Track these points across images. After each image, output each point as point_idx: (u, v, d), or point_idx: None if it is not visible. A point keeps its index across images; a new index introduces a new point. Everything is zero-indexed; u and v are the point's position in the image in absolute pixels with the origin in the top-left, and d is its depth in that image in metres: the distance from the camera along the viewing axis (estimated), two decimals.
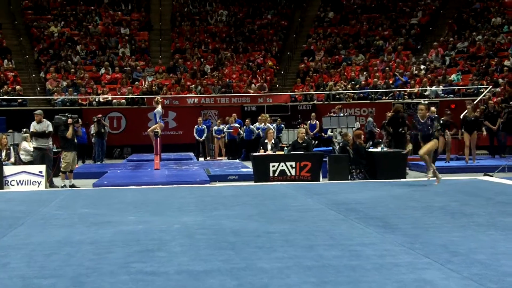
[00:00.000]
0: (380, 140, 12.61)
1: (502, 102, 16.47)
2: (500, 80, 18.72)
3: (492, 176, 9.82)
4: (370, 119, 17.04)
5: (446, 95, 18.99)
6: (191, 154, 16.91)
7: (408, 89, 19.23)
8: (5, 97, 18.62)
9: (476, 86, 18.80)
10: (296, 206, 6.55)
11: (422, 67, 20.66)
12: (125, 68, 20.90)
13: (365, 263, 3.88)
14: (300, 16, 24.69)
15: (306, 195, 7.50)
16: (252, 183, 9.88)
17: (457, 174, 10.93)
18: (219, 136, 16.76)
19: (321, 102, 19.28)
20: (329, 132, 15.30)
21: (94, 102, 18.88)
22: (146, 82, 20.18)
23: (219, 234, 4.95)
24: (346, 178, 10.01)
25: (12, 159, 10.92)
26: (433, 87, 19.17)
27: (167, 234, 4.98)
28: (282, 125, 17.04)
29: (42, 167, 9.95)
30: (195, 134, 17.08)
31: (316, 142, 15.46)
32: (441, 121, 11.60)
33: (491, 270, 3.65)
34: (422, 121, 8.33)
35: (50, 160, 10.38)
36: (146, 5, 24.72)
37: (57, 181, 10.56)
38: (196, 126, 17.09)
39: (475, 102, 15.56)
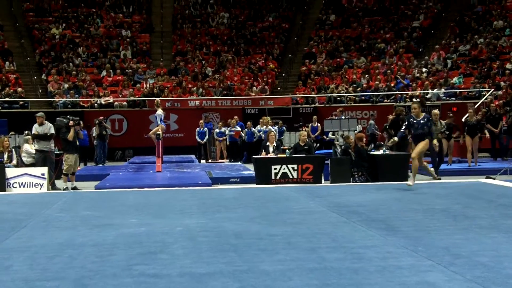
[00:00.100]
0: (382, 143, 12.58)
1: (504, 105, 16.45)
2: (502, 83, 18.71)
3: (494, 178, 9.80)
4: (371, 121, 17.03)
5: (448, 98, 18.99)
6: (193, 156, 16.92)
7: (410, 92, 19.22)
8: (7, 99, 18.65)
9: (478, 89, 18.79)
10: (298, 209, 6.55)
11: (424, 70, 20.66)
12: (127, 71, 20.93)
13: (368, 265, 3.88)
14: (302, 19, 24.72)
15: (308, 197, 7.50)
16: (254, 185, 9.88)
17: (459, 177, 10.92)
18: (221, 139, 16.77)
19: (323, 105, 19.28)
20: (330, 135, 15.31)
21: (95, 104, 18.91)
22: (148, 85, 20.20)
23: (221, 237, 4.95)
24: (348, 180, 10.00)
25: (14, 161, 10.93)
26: (435, 90, 19.16)
27: (170, 237, 4.98)
28: (284, 127, 17.04)
29: (44, 170, 9.95)
30: (196, 137, 17.08)
31: (318, 144, 15.44)
32: (444, 124, 11.61)
33: (494, 272, 3.65)
34: (418, 120, 8.22)
35: (52, 162, 10.38)
36: (147, 8, 24.76)
37: (59, 183, 10.57)
38: (197, 129, 17.09)
39: (475, 106, 15.54)
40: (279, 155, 10.51)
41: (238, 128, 16.83)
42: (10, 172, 10.00)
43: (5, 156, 10.77)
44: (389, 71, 20.52)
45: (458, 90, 19.28)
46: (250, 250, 4.39)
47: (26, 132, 12.04)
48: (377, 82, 19.66)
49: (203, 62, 21.92)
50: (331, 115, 16.77)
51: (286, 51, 23.37)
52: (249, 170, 12.02)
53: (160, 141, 12.68)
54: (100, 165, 15.78)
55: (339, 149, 11.37)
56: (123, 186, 9.66)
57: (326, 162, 10.37)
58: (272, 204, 6.98)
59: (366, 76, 20.52)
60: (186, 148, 17.88)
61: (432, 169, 8.50)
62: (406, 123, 8.57)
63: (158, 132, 12.61)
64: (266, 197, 7.62)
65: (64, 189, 10.08)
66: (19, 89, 19.12)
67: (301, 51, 23.08)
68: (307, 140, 11.21)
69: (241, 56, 22.56)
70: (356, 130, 14.30)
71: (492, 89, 18.37)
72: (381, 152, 10.81)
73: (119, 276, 3.73)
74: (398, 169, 10.01)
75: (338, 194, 7.88)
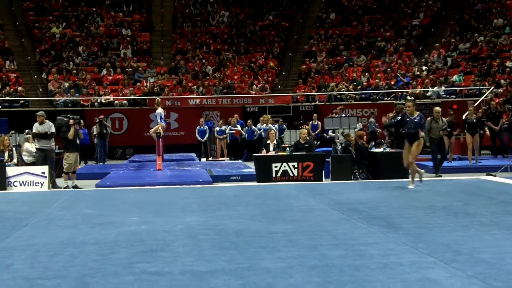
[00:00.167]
0: (382, 141, 12.59)
1: (504, 103, 16.45)
2: (502, 81, 18.70)
3: (494, 176, 9.81)
4: (372, 119, 17.03)
5: (448, 96, 18.97)
6: (193, 154, 16.92)
7: (410, 90, 19.21)
8: (7, 98, 18.65)
9: (478, 87, 18.78)
10: (299, 206, 6.55)
11: (424, 68, 20.64)
12: (127, 69, 20.92)
13: (369, 262, 3.88)
14: (302, 17, 24.69)
15: (309, 195, 7.50)
16: (255, 183, 9.88)
17: (459, 174, 10.92)
18: (221, 137, 16.77)
19: (323, 103, 19.28)
20: (330, 133, 15.29)
21: (96, 103, 18.91)
22: (148, 83, 20.20)
23: (222, 235, 4.95)
24: (349, 178, 10.01)
25: (15, 160, 10.93)
26: (435, 88, 19.14)
27: (171, 235, 4.98)
28: (284, 125, 17.04)
29: (45, 168, 9.96)
30: (197, 135, 17.09)
31: (318, 142, 15.44)
32: (446, 121, 11.58)
33: (496, 269, 3.65)
34: (412, 118, 8.08)
35: (53, 161, 10.39)
36: (147, 6, 24.74)
37: (60, 182, 10.57)
38: (198, 127, 17.09)
39: (476, 104, 15.52)
40: (279, 153, 10.51)
41: (239, 127, 16.83)
42: (10, 170, 10.01)
43: (6, 154, 10.77)
44: (389, 69, 20.50)
45: (458, 88, 19.27)
46: (251, 248, 4.39)
47: (26, 131, 12.04)
48: (377, 80, 19.65)
49: (203, 60, 21.91)
50: (331, 113, 16.76)
51: (286, 50, 23.35)
52: (250, 168, 12.03)
53: (160, 139, 12.69)
54: (101, 163, 15.78)
55: (340, 147, 11.37)
56: (124, 185, 9.67)
57: (326, 159, 10.37)
58: (272, 201, 6.98)
59: (366, 74, 20.51)
60: (187, 147, 17.88)
61: (422, 170, 8.38)
62: (399, 117, 8.45)
63: (158, 131, 12.62)
64: (266, 195, 7.62)
65: (64, 188, 10.08)
66: (20, 88, 19.12)
67: (301, 50, 23.06)
68: (308, 138, 11.21)
69: (241, 55, 22.54)
70: (357, 128, 14.29)
71: (492, 87, 18.36)
72: (381, 149, 10.82)
73: (121, 274, 3.73)
74: (399, 166, 9.98)
75: (338, 191, 7.88)
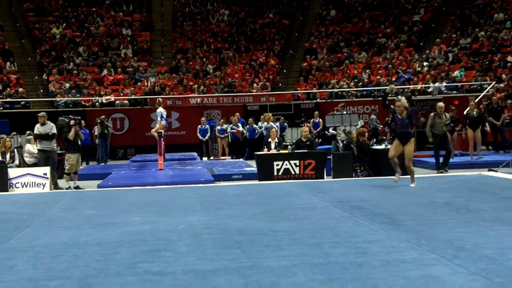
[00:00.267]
0: (384, 137, 12.58)
1: (506, 98, 16.41)
2: (503, 76, 18.66)
3: (496, 171, 9.79)
4: (373, 116, 17.01)
5: (449, 92, 18.94)
6: (195, 154, 16.92)
7: (411, 86, 19.19)
8: (8, 99, 18.68)
9: (479, 82, 18.74)
10: (301, 204, 6.55)
11: (425, 64, 20.61)
12: (128, 69, 20.93)
13: (372, 260, 3.88)
14: (302, 15, 24.66)
15: (311, 193, 7.50)
16: (256, 182, 9.88)
17: (461, 170, 10.90)
18: (222, 136, 16.77)
19: (324, 100, 19.26)
20: (331, 130, 15.26)
21: (97, 103, 18.92)
22: (149, 83, 20.20)
23: (224, 234, 4.95)
24: (350, 175, 10.01)
25: (17, 162, 10.94)
26: (436, 84, 19.11)
27: (173, 234, 4.99)
28: (285, 123, 17.03)
29: (47, 169, 9.97)
30: (198, 134, 17.09)
31: (320, 140, 15.44)
32: (449, 117, 11.54)
33: (498, 264, 3.65)
34: (400, 117, 7.91)
35: (54, 162, 10.40)
36: (147, 6, 24.73)
37: (61, 182, 10.59)
38: (199, 126, 17.09)
39: (476, 100, 15.49)
40: (281, 151, 10.51)
41: (240, 128, 16.81)
42: (12, 172, 10.02)
43: (7, 156, 10.79)
44: (390, 65, 20.48)
45: (459, 84, 19.24)
46: (254, 247, 4.39)
47: (28, 132, 12.06)
48: (378, 77, 19.62)
49: (204, 59, 21.90)
50: (332, 111, 16.75)
51: (287, 47, 23.33)
52: (251, 166, 12.03)
53: (162, 139, 12.70)
54: (102, 164, 15.80)
55: (341, 144, 11.37)
56: (126, 185, 9.68)
57: (328, 157, 10.36)
58: (275, 200, 6.98)
59: (367, 71, 20.48)
60: (188, 146, 17.89)
61: (399, 173, 8.17)
62: (393, 112, 8.23)
63: (159, 131, 12.64)
64: (268, 193, 7.62)
65: (66, 189, 10.10)
66: (21, 89, 19.14)
67: (302, 47, 23.04)
68: (309, 136, 11.20)
69: (242, 53, 22.53)
70: (358, 125, 14.29)
71: (494, 82, 18.33)
72: (383, 146, 10.81)
73: (124, 274, 3.74)
74: (400, 163, 9.98)
75: (340, 189, 7.88)
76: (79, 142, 10.68)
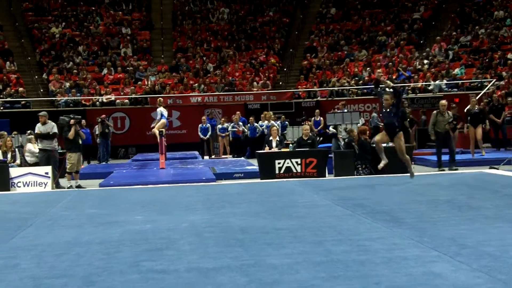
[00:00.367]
0: None
1: (506, 95, 16.41)
2: (504, 73, 18.66)
3: (497, 169, 9.79)
4: (374, 114, 17.01)
5: (450, 90, 18.94)
6: (196, 152, 16.93)
7: (412, 84, 19.18)
8: (9, 99, 18.68)
9: (479, 80, 18.74)
10: (303, 203, 6.56)
11: (426, 61, 20.60)
12: (128, 68, 20.93)
13: (374, 257, 3.89)
14: (302, 13, 24.64)
15: (313, 191, 7.50)
16: (258, 180, 9.89)
17: (462, 168, 10.89)
18: (223, 135, 16.77)
19: (325, 99, 19.26)
20: (331, 128, 15.25)
21: (97, 102, 18.92)
22: (149, 82, 20.20)
23: (227, 232, 4.95)
24: (352, 173, 10.01)
25: (18, 161, 10.95)
26: (437, 82, 19.11)
27: (175, 233, 4.99)
28: (286, 122, 17.04)
29: (48, 169, 9.98)
30: (199, 133, 17.10)
31: (321, 138, 15.44)
32: (452, 115, 11.50)
33: (501, 262, 3.65)
34: (388, 110, 7.86)
35: (56, 161, 10.41)
36: (147, 5, 24.72)
37: (63, 182, 10.60)
38: (200, 125, 17.10)
39: (477, 97, 15.48)
40: (282, 150, 10.51)
41: (241, 127, 16.81)
42: (14, 171, 10.03)
43: (9, 155, 10.79)
44: (390, 63, 20.47)
45: (460, 81, 19.23)
46: (256, 245, 4.39)
47: (29, 131, 12.06)
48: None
49: (204, 58, 21.90)
50: (333, 109, 16.75)
51: (287, 46, 23.32)
52: (253, 165, 12.03)
53: (163, 138, 12.71)
54: (104, 163, 15.82)
55: (343, 143, 11.37)
56: (127, 184, 9.69)
57: (329, 155, 10.37)
58: (276, 198, 6.99)
59: (368, 69, 20.47)
60: (189, 145, 17.89)
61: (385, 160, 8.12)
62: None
63: (161, 129, 12.65)
64: (270, 192, 7.63)
65: (68, 188, 10.11)
66: (21, 89, 19.15)
67: (302, 45, 23.03)
68: (310, 134, 11.20)
69: (242, 52, 22.52)
70: (359, 123, 14.28)
71: (494, 80, 18.32)
72: (384, 144, 10.79)
73: (127, 273, 3.74)
74: (402, 161, 9.98)
75: (342, 187, 7.88)
76: (80, 142, 10.68)
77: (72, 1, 24.03)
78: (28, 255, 4.34)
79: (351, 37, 22.79)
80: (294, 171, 9.88)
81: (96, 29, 22.83)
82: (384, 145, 10.72)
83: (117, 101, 19.00)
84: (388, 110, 7.88)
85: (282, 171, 9.88)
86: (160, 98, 13.72)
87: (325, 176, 9.96)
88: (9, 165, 10.30)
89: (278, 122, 16.26)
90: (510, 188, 7.25)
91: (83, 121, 14.70)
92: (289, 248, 4.23)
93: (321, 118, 16.70)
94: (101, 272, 3.77)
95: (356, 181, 8.77)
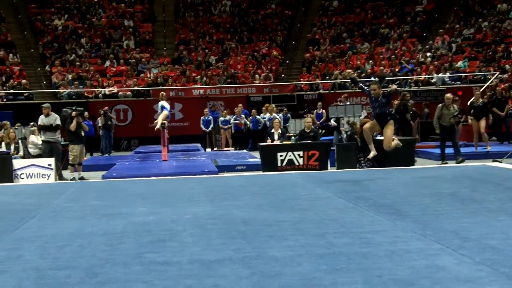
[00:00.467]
0: None
1: (510, 89, 16.33)
2: (507, 66, 18.57)
3: (501, 162, 9.77)
4: None
5: (453, 82, 18.87)
6: (198, 145, 16.94)
7: (415, 77, 19.11)
8: (12, 91, 18.69)
9: (483, 73, 18.65)
10: (305, 195, 6.56)
11: (428, 54, 20.51)
12: (130, 61, 20.90)
13: (377, 250, 3.89)
14: (304, 5, 24.53)
15: (315, 184, 7.50)
16: (260, 173, 9.89)
17: (466, 161, 10.86)
18: (226, 127, 16.77)
19: (327, 91, 19.20)
20: (332, 121, 15.20)
21: (100, 95, 18.92)
22: (151, 74, 20.18)
23: (229, 224, 4.96)
24: (354, 166, 10.00)
25: (21, 153, 10.98)
26: (440, 74, 19.04)
27: (178, 225, 5.00)
28: (289, 114, 17.01)
29: (51, 160, 10.01)
30: (201, 125, 17.09)
31: (323, 131, 15.42)
32: (457, 108, 11.41)
33: (504, 255, 3.65)
34: (378, 99, 7.62)
35: (59, 153, 10.43)
36: None
37: (66, 173, 10.62)
38: (202, 117, 17.09)
39: (481, 90, 15.39)
40: (284, 142, 10.51)
41: (243, 119, 16.79)
42: (17, 163, 10.06)
43: (12, 147, 10.82)
44: (393, 56, 20.40)
45: (463, 74, 19.15)
46: (258, 237, 4.40)
47: (32, 123, 12.08)
48: (381, 68, 19.54)
49: (206, 50, 21.84)
50: (336, 101, 16.71)
51: (290, 38, 23.24)
52: (255, 157, 12.03)
53: (165, 130, 12.72)
54: (106, 155, 15.85)
55: (345, 135, 11.35)
56: (130, 176, 9.70)
57: (332, 148, 10.36)
58: (279, 191, 6.99)
59: (371, 61, 20.40)
60: (191, 137, 17.90)
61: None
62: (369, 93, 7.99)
63: (163, 122, 12.65)
64: (272, 184, 7.62)
65: (71, 180, 10.14)
66: (24, 81, 19.16)
67: (304, 38, 22.94)
68: (312, 126, 11.19)
69: (244, 44, 22.45)
70: (362, 115, 14.25)
71: (498, 73, 18.23)
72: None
73: (130, 264, 3.75)
74: (404, 154, 9.97)
75: (344, 180, 7.87)
76: (83, 134, 10.70)
77: None
78: (32, 247, 4.36)
79: (353, 30, 22.69)
80: (296, 163, 9.88)
81: (98, 21, 22.78)
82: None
83: (120, 93, 18.99)
84: (378, 99, 7.67)
85: (284, 164, 9.88)
86: (162, 92, 13.72)
87: (327, 169, 9.96)
88: (12, 156, 10.32)
89: (280, 115, 16.23)
90: None
91: (86, 113, 14.71)
92: (291, 241, 4.23)
93: (323, 110, 16.66)
94: (104, 264, 3.78)
95: (358, 174, 8.76)
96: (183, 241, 4.38)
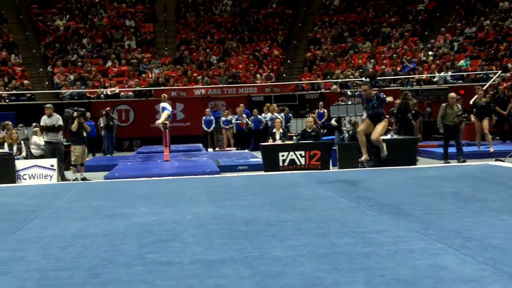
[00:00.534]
0: (390, 128, 12.52)
1: None
2: (510, 65, 18.52)
3: (503, 161, 9.74)
4: None
5: (455, 81, 18.83)
6: (200, 145, 16.95)
7: (417, 76, 19.09)
8: (14, 92, 18.73)
9: (485, 72, 18.61)
10: (307, 195, 6.55)
11: (430, 53, 20.47)
12: (132, 61, 20.92)
13: (379, 250, 3.88)
14: (305, 4, 24.51)
15: (317, 183, 7.50)
16: (262, 172, 9.89)
17: (468, 160, 10.85)
18: (227, 127, 16.77)
19: (329, 91, 19.18)
20: (333, 121, 15.17)
21: (102, 95, 18.94)
22: (153, 74, 20.19)
23: (231, 224, 4.96)
24: (356, 166, 9.99)
25: (24, 153, 11.00)
26: (442, 73, 19.00)
27: (180, 225, 5.00)
28: (290, 114, 17.01)
29: (54, 161, 10.03)
30: (203, 125, 17.10)
31: (325, 131, 15.40)
32: (461, 108, 11.33)
33: (506, 254, 3.64)
34: (370, 100, 7.57)
35: (61, 154, 10.45)
36: None
37: (68, 174, 10.64)
38: (204, 117, 17.10)
39: (483, 88, 15.33)
40: (286, 142, 10.50)
41: (245, 119, 16.78)
42: (19, 164, 10.08)
43: (14, 148, 10.84)
44: (395, 55, 20.36)
45: (465, 73, 19.11)
46: (260, 237, 4.40)
47: (34, 124, 12.10)
48: (383, 67, 19.53)
49: (208, 50, 21.85)
50: (337, 101, 16.68)
51: (291, 38, 23.22)
52: (257, 157, 12.03)
53: (167, 130, 12.73)
54: (108, 155, 15.86)
55: (347, 135, 11.34)
56: (132, 176, 9.71)
57: (333, 148, 10.35)
58: (280, 191, 6.99)
59: (372, 60, 20.37)
60: (193, 137, 17.91)
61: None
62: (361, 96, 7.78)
63: (165, 122, 12.67)
64: (274, 184, 7.62)
65: (73, 180, 10.15)
66: (26, 82, 19.19)
67: (305, 37, 22.92)
68: (314, 126, 11.18)
69: (246, 44, 22.44)
70: (363, 115, 14.21)
71: (500, 71, 18.19)
72: (388, 136, 10.77)
73: (132, 265, 3.76)
74: (407, 153, 9.97)
75: (346, 179, 7.87)
76: (84, 134, 10.71)
77: None
78: (34, 247, 4.36)
79: (355, 29, 22.66)
80: (298, 163, 9.87)
81: (100, 21, 22.81)
82: (388, 137, 10.70)
83: (122, 93, 19.01)
84: (371, 100, 7.57)
85: (286, 164, 9.88)
86: (164, 94, 13.75)
87: (329, 169, 9.96)
88: (15, 157, 10.34)
89: (282, 115, 16.23)
90: None
91: (88, 114, 14.73)
92: (293, 241, 4.23)
93: (325, 110, 16.65)
94: (106, 264, 3.79)
95: (360, 174, 8.75)
96: (185, 241, 4.38)
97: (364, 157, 7.73)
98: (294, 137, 11.13)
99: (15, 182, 9.72)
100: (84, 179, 10.26)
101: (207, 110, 17.30)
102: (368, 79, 7.82)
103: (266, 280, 3.31)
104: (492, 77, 18.00)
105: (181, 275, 3.49)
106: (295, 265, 3.58)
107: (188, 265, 3.69)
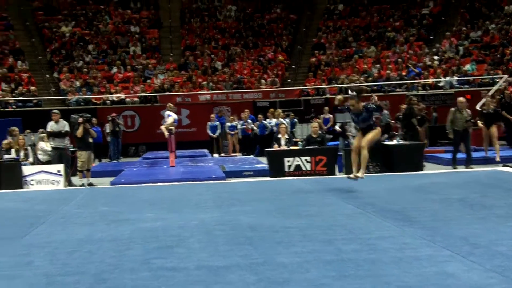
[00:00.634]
0: (396, 133, 12.49)
1: None
2: None
3: (511, 167, 9.68)
4: (385, 111, 16.85)
5: (461, 86, 18.78)
6: (206, 150, 16.96)
7: (422, 81, 19.05)
8: (21, 98, 18.85)
9: (491, 76, 18.55)
10: (313, 201, 6.55)
11: (436, 57, 20.42)
12: (137, 67, 21.01)
13: (385, 256, 3.87)
14: (310, 9, 24.55)
15: (323, 189, 7.49)
16: (268, 178, 9.88)
17: (475, 166, 10.78)
18: (232, 133, 16.79)
19: (334, 96, 19.17)
20: (337, 127, 15.13)
21: (107, 101, 19.03)
22: (158, 80, 20.27)
23: (237, 230, 4.96)
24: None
25: (31, 159, 11.06)
26: (447, 78, 18.95)
27: (186, 231, 5.01)
28: (295, 120, 17.00)
29: (60, 167, 10.07)
30: (208, 131, 17.13)
31: (331, 136, 15.37)
32: (470, 113, 11.18)
33: None
34: (360, 114, 7.37)
35: (68, 160, 10.50)
36: (154, 3, 24.77)
37: (75, 180, 10.68)
38: (209, 123, 17.13)
39: (490, 93, 15.22)
40: (291, 148, 10.49)
41: (250, 125, 16.79)
42: (26, 169, 10.13)
43: (21, 154, 10.89)
44: (400, 59, 20.34)
45: (471, 78, 19.05)
46: (266, 243, 4.40)
47: (41, 130, 12.16)
48: (388, 71, 19.50)
49: (212, 56, 21.91)
50: (343, 106, 16.65)
51: (295, 43, 23.25)
52: (262, 163, 12.03)
53: (172, 136, 12.76)
54: (115, 161, 15.91)
55: (352, 140, 11.29)
56: (138, 182, 9.73)
57: (339, 153, 10.33)
58: (286, 196, 6.98)
59: (377, 65, 20.35)
60: (198, 143, 17.93)
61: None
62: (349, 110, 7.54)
63: (170, 128, 12.70)
64: (280, 190, 7.62)
65: (80, 186, 10.19)
66: (32, 88, 19.31)
67: (310, 42, 22.95)
68: (319, 131, 11.17)
69: (250, 49, 22.50)
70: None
71: (506, 76, 18.11)
72: (395, 142, 10.75)
73: (138, 270, 3.77)
74: (413, 158, 9.94)
75: (352, 185, 7.83)
76: (90, 140, 10.75)
77: (81, 0, 24.18)
78: (41, 252, 4.39)
79: (359, 34, 22.66)
80: (304, 169, 9.86)
81: (105, 27, 22.95)
82: (394, 142, 10.66)
83: (127, 99, 19.09)
84: (360, 114, 7.42)
85: (291, 169, 9.87)
86: (170, 104, 13.80)
87: (335, 174, 9.93)
88: (22, 163, 10.40)
89: (287, 120, 16.22)
90: None
91: (94, 120, 14.79)
92: (299, 247, 4.22)
93: (330, 115, 16.63)
94: (113, 270, 3.80)
95: (366, 179, 8.70)
96: (190, 247, 4.39)
97: (353, 175, 7.45)
98: (300, 143, 11.11)
99: (22, 188, 9.77)
100: (90, 184, 10.30)
101: (212, 115, 17.33)
102: (355, 93, 7.55)
103: (271, 287, 3.31)
104: (498, 82, 17.92)
105: (187, 281, 3.49)
106: (301, 272, 3.58)
107: (193, 271, 3.70)
